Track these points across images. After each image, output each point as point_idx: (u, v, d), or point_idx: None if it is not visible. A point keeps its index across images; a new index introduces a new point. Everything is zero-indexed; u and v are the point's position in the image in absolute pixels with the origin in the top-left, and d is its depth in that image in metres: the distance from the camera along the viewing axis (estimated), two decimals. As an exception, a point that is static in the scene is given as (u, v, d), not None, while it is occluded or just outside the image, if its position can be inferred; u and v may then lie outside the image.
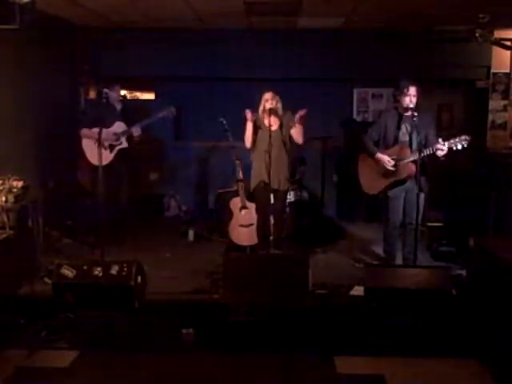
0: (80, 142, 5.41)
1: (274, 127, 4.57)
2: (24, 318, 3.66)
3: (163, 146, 7.21)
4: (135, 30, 6.62)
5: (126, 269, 3.84)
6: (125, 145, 5.42)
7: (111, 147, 5.34)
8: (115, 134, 5.36)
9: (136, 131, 5.42)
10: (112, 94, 5.37)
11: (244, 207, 5.22)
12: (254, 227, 5.05)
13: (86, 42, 6.75)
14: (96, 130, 5.15)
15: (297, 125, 4.59)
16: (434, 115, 5.01)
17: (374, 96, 7.28)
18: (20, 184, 4.45)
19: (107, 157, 5.26)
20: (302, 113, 4.51)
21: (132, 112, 5.64)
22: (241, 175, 5.20)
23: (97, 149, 5.13)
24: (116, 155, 5.40)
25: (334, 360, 3.28)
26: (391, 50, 6.61)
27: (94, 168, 5.25)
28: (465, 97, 7.22)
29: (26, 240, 4.44)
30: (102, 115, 5.17)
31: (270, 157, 4.33)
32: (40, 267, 4.54)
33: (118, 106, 5.55)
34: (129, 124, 5.41)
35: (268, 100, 4.58)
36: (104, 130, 5.21)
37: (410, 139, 4.57)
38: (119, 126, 5.40)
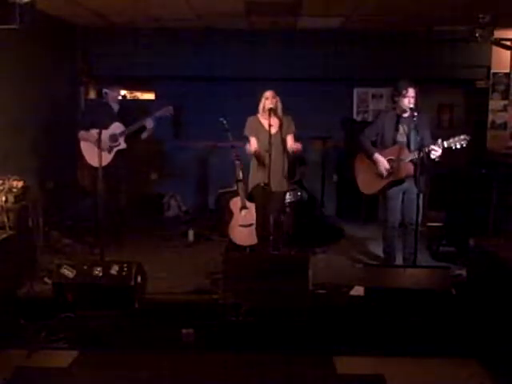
0: (78, 143, 5.34)
1: (274, 128, 4.56)
2: (24, 318, 3.66)
3: (163, 146, 7.22)
4: (135, 30, 6.63)
5: (126, 269, 3.84)
6: (123, 146, 5.34)
7: (109, 148, 5.27)
8: (113, 135, 5.28)
9: (149, 124, 5.30)
10: (111, 94, 5.33)
11: (244, 207, 5.22)
12: (254, 227, 5.04)
13: (86, 41, 6.75)
14: (93, 131, 5.15)
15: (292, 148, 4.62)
16: (430, 116, 5.00)
17: (373, 96, 7.28)
18: (20, 184, 4.44)
19: (106, 158, 5.17)
20: (295, 147, 4.56)
21: (129, 112, 5.55)
22: (241, 175, 5.20)
23: (95, 151, 5.10)
24: (114, 156, 5.33)
25: (334, 360, 3.28)
26: (391, 50, 6.62)
27: (93, 169, 5.23)
28: (465, 97, 7.22)
29: (25, 240, 4.44)
30: (99, 116, 5.13)
31: (270, 157, 4.32)
32: (40, 267, 4.54)
33: (116, 107, 5.45)
34: (126, 125, 5.32)
35: (268, 98, 4.55)
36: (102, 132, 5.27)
37: (408, 140, 4.58)
38: (117, 127, 5.31)
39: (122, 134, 5.31)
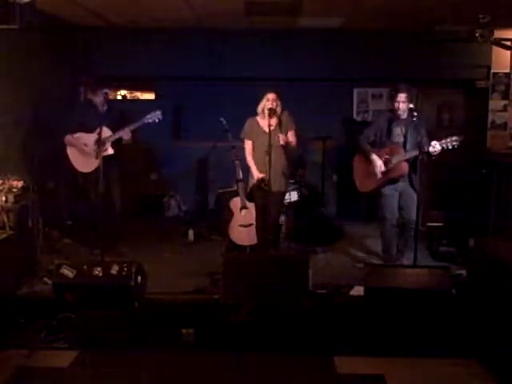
0: (65, 148, 5.14)
1: (273, 128, 4.55)
2: (24, 318, 3.66)
3: (163, 146, 7.21)
4: (135, 30, 6.62)
5: (125, 269, 3.83)
6: (110, 151, 5.06)
7: (96, 154, 4.95)
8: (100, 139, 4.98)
9: (126, 134, 5.07)
10: (97, 98, 5.15)
11: (244, 207, 5.21)
12: (254, 227, 5.04)
13: (86, 41, 6.75)
14: (79, 135, 5.07)
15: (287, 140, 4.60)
16: (425, 116, 5.07)
17: (373, 96, 7.28)
18: (20, 184, 4.45)
19: (93, 163, 4.99)
20: (282, 140, 4.53)
21: (118, 115, 5.32)
22: (241, 175, 5.20)
23: (82, 156, 5.07)
24: (102, 162, 4.95)
25: (334, 360, 3.29)
26: (391, 50, 6.61)
27: (82, 174, 5.15)
28: (465, 97, 7.22)
29: (25, 240, 4.44)
30: (85, 119, 5.03)
31: (270, 158, 4.32)
32: (40, 267, 4.54)
33: (103, 109, 5.19)
34: (114, 128, 5.09)
35: (269, 100, 4.57)
36: (86, 136, 5.04)
37: (405, 140, 4.69)
38: (104, 132, 4.97)
39: (108, 139, 5.06)
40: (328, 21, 6.18)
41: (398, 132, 4.69)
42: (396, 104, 4.64)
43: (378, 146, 4.81)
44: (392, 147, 4.68)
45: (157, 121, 5.09)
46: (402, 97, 4.60)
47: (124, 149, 5.32)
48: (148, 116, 5.05)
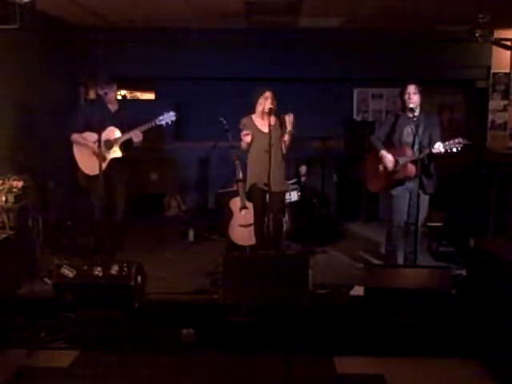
0: (72, 146, 4.97)
1: (272, 128, 4.54)
2: (24, 318, 3.66)
3: (163, 146, 7.21)
4: (135, 30, 6.63)
5: (125, 269, 3.84)
6: (118, 154, 4.86)
7: (103, 156, 4.68)
8: (107, 141, 4.80)
9: (136, 136, 4.82)
10: (109, 94, 4.93)
11: (244, 207, 5.21)
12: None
13: (86, 42, 6.75)
14: (86, 134, 4.88)
15: (287, 135, 4.56)
16: (439, 117, 4.98)
17: (373, 96, 7.29)
18: (20, 184, 4.45)
19: (98, 165, 4.58)
20: (291, 118, 4.49)
21: (129, 114, 5.10)
22: (241, 175, 5.20)
23: (88, 156, 4.85)
24: (109, 165, 4.83)
25: (334, 360, 3.29)
26: (391, 50, 6.61)
27: (86, 176, 4.95)
28: (465, 97, 7.23)
29: (25, 240, 4.44)
30: (93, 118, 4.77)
31: (270, 157, 4.31)
32: (40, 267, 4.54)
33: (113, 108, 5.02)
34: (124, 127, 4.88)
35: (268, 98, 4.52)
36: (93, 136, 4.76)
37: (414, 140, 4.58)
38: (112, 132, 4.85)
39: (116, 140, 4.87)
40: (328, 21, 6.18)
41: (409, 132, 4.58)
42: (406, 96, 4.49)
43: (387, 145, 4.71)
44: (401, 148, 4.58)
45: (170, 123, 4.81)
46: (412, 87, 4.48)
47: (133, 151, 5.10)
48: (161, 117, 4.79)
